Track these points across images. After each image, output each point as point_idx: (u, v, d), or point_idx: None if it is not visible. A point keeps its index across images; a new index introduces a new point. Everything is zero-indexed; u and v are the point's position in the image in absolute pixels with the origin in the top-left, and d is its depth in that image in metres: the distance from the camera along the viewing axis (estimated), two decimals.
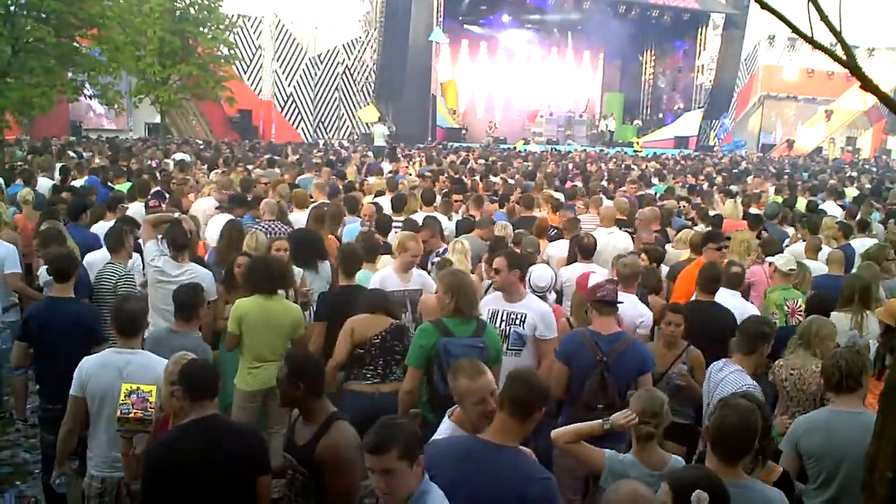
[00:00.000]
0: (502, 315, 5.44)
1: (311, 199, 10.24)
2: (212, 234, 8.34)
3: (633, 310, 6.09)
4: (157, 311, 6.11)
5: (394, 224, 8.76)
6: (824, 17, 2.41)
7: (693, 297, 6.42)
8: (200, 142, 27.19)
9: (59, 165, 14.39)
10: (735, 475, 3.35)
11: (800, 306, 6.62)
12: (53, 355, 5.26)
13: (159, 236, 6.40)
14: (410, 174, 16.14)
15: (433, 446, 3.44)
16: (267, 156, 19.47)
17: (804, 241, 8.91)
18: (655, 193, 13.64)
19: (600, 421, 4.14)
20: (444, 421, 3.74)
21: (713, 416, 3.50)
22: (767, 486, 3.52)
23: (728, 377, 4.77)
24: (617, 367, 4.91)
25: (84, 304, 5.71)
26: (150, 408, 3.98)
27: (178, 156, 17.90)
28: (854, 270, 7.33)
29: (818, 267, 7.81)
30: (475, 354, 4.49)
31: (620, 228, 9.14)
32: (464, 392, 3.59)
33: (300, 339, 5.82)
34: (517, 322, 5.41)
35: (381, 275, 6.56)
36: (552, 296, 6.51)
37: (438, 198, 10.39)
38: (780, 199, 13.41)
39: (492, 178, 15.56)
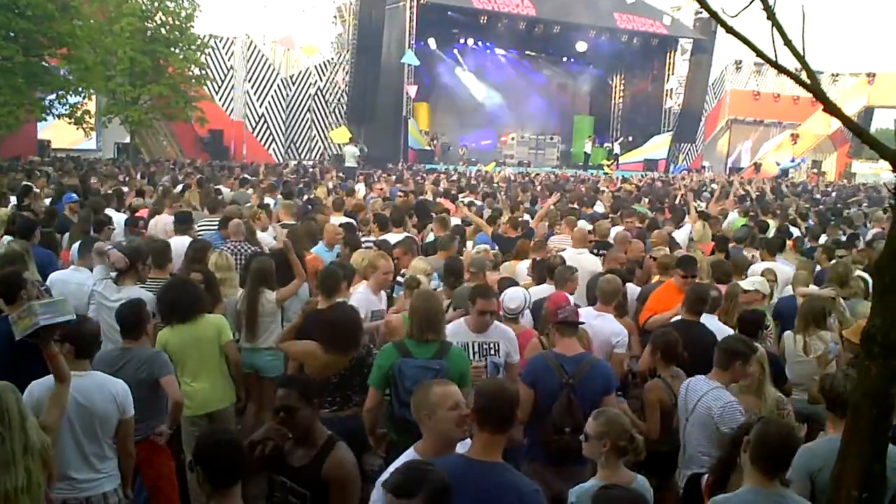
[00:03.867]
0: (475, 347, 5.33)
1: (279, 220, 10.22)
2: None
3: (610, 327, 6.12)
4: (103, 334, 6.02)
5: (364, 244, 8.77)
6: (788, 42, 2.46)
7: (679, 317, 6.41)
8: (169, 161, 26.95)
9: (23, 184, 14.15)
10: (772, 486, 3.47)
11: (769, 327, 6.72)
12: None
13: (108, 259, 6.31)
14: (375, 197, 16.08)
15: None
16: (242, 176, 19.41)
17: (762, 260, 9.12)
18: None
19: None
20: (409, 451, 3.68)
21: (753, 431, 3.58)
22: (801, 499, 3.58)
23: (710, 394, 4.81)
24: (583, 388, 4.89)
25: None
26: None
27: (165, 179, 17.69)
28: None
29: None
30: (430, 376, 4.48)
31: (598, 251, 9.20)
32: (436, 402, 3.52)
33: (226, 345, 5.82)
34: (492, 352, 5.34)
35: (359, 296, 6.52)
36: (526, 318, 6.47)
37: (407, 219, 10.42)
38: (742, 222, 13.52)
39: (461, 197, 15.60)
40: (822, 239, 11.81)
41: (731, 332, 6.44)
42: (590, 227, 10.62)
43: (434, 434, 3.54)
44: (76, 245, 7.81)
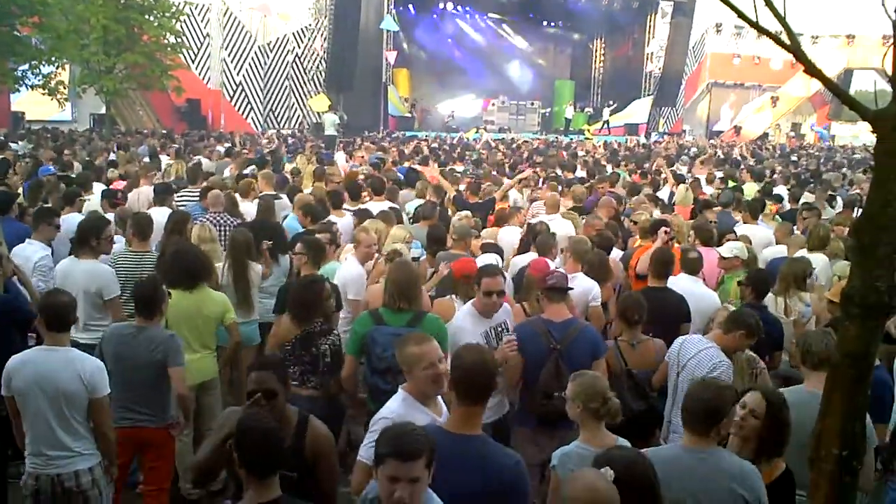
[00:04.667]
0: (491, 333, 5.13)
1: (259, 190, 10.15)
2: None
3: (582, 285, 6.17)
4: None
5: (347, 212, 8.77)
6: (769, 3, 2.44)
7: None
8: (146, 131, 26.65)
9: None
10: (706, 445, 3.56)
11: None
12: None
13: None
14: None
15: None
16: (226, 145, 19.26)
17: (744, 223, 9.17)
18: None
19: None
20: (398, 391, 3.76)
21: (687, 395, 3.69)
22: (738, 459, 3.62)
23: (703, 352, 4.87)
24: (571, 353, 4.95)
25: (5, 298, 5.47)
26: None
27: (143, 149, 17.50)
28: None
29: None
30: None
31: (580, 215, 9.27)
32: (413, 359, 3.64)
33: (231, 325, 5.85)
34: (504, 332, 5.15)
35: (347, 269, 6.52)
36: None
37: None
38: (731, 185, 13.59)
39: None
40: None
41: (711, 294, 6.53)
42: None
43: (414, 385, 3.71)
44: (71, 216, 7.78)
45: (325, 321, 5.22)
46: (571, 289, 5.43)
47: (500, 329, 5.17)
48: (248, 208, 9.15)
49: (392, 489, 2.75)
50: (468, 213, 8.74)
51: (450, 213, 9.70)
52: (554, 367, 4.89)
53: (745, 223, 9.24)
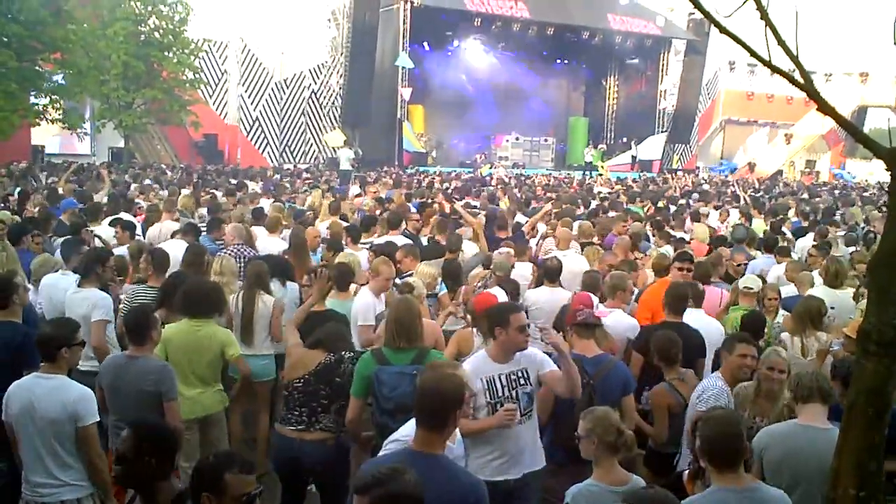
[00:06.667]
0: (502, 380, 4.60)
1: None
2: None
3: (624, 323, 6.30)
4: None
5: (363, 246, 8.83)
6: (781, 42, 2.47)
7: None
8: (164, 166, 26.92)
9: (17, 190, 14.18)
10: (740, 481, 3.44)
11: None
12: None
13: None
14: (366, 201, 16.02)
15: (370, 463, 3.40)
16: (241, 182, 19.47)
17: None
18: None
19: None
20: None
21: (698, 432, 3.59)
22: (772, 489, 3.55)
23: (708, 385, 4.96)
24: (603, 388, 4.94)
25: (18, 326, 5.44)
26: None
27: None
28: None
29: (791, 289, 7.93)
30: (406, 382, 4.51)
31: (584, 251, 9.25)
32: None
33: (235, 360, 5.78)
34: (521, 382, 4.62)
35: (363, 300, 6.57)
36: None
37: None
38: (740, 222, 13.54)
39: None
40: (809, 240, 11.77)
41: (717, 326, 6.52)
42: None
43: None
44: (58, 249, 7.85)
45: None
46: (600, 324, 5.44)
47: (515, 378, 4.62)
48: (270, 244, 9.28)
49: None
50: (510, 250, 8.66)
51: (477, 247, 9.64)
52: (587, 401, 4.80)
53: (778, 263, 9.20)
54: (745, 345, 5.07)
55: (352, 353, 5.10)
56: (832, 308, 6.91)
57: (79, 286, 6.30)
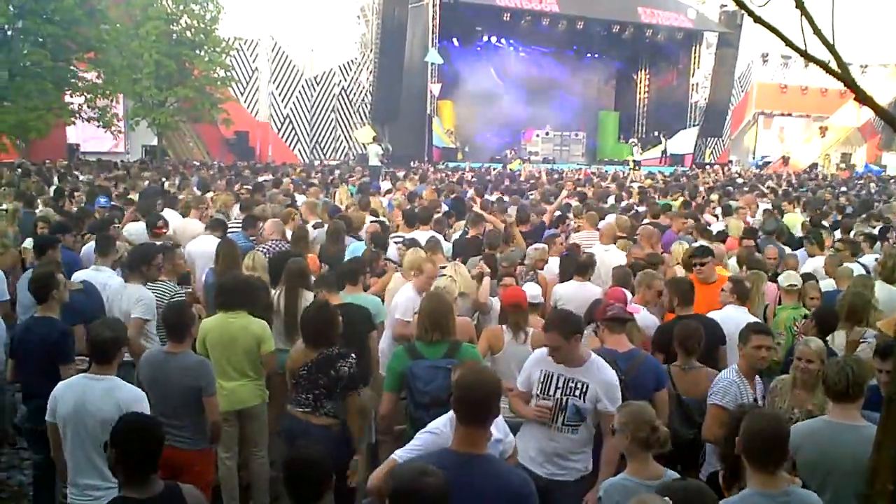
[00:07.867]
0: (558, 381, 4.56)
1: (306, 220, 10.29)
2: (196, 251, 8.44)
3: (651, 321, 6.30)
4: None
5: (394, 241, 8.84)
6: (818, 31, 2.43)
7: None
8: (198, 163, 27.19)
9: (54, 188, 14.38)
10: (776, 484, 3.33)
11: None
12: (32, 373, 5.30)
13: None
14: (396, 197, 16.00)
15: (406, 463, 3.37)
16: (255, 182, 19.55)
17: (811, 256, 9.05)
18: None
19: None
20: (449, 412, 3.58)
21: (742, 428, 3.43)
22: (807, 493, 3.46)
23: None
24: (636, 383, 4.90)
25: (56, 322, 5.48)
26: None
27: (195, 180, 17.83)
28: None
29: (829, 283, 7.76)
30: (441, 376, 4.55)
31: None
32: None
33: (268, 355, 5.79)
34: (576, 393, 4.52)
35: (404, 294, 6.60)
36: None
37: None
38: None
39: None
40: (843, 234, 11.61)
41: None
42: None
43: None
44: (90, 244, 7.97)
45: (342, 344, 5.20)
46: (632, 319, 5.41)
47: (572, 386, 4.54)
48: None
49: None
50: (545, 246, 8.59)
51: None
52: (622, 397, 4.81)
53: (811, 256, 9.15)
54: (761, 335, 4.97)
55: (351, 358, 5.05)
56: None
57: (125, 281, 6.51)
